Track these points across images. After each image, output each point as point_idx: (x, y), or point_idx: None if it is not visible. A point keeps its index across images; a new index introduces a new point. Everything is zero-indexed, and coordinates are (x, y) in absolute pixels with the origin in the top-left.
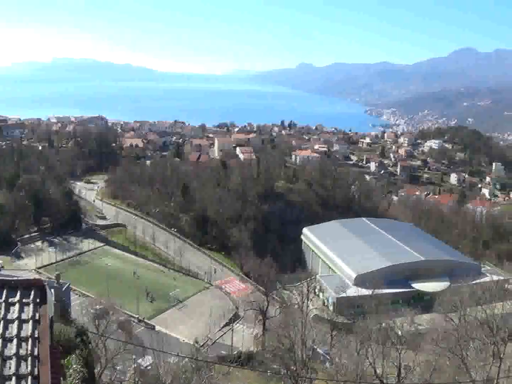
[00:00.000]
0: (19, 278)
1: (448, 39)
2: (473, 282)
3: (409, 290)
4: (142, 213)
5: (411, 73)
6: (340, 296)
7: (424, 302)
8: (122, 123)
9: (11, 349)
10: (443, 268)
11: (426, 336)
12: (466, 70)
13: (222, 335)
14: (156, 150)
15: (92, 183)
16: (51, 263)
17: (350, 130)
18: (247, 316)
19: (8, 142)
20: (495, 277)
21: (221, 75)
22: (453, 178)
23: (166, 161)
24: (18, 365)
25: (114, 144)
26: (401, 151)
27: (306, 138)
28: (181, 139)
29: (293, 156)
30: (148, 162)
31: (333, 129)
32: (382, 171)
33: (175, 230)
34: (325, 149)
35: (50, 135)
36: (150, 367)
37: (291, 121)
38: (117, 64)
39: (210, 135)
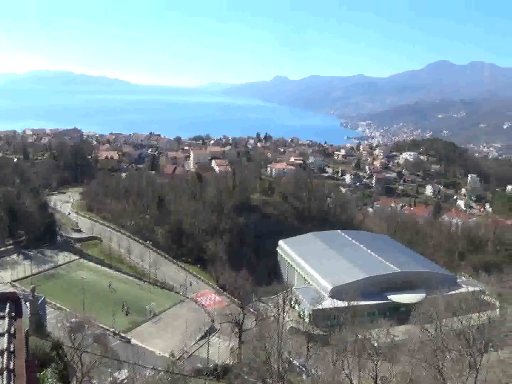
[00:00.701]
0: None
1: (424, 52)
2: (449, 293)
3: (385, 301)
4: (117, 226)
5: (386, 85)
6: (316, 308)
7: (400, 314)
8: (97, 135)
9: None
10: (419, 280)
11: (403, 348)
12: (442, 82)
13: (198, 348)
14: (132, 162)
15: (65, 194)
16: (26, 276)
17: (325, 143)
18: (223, 328)
19: None
20: (471, 288)
21: (197, 87)
22: (429, 190)
23: (142, 173)
24: None
25: (89, 157)
26: (377, 163)
27: (282, 150)
28: (156, 152)
29: (269, 169)
30: (123, 174)
31: (308, 141)
32: (358, 183)
33: (150, 242)
34: (300, 161)
35: (25, 148)
36: (126, 381)
37: (266, 134)
38: (92, 76)
39: (186, 148)
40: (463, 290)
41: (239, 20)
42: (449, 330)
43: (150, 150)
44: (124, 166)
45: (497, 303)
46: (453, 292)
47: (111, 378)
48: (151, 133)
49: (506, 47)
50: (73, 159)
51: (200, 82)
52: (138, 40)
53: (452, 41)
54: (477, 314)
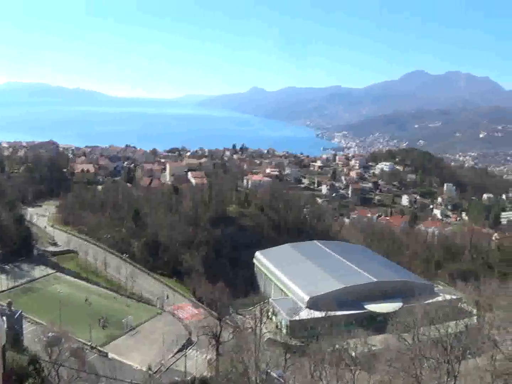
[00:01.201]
0: None
1: (400, 63)
2: (426, 302)
3: (362, 311)
4: (94, 239)
5: (362, 96)
6: (293, 319)
7: (377, 323)
8: (73, 148)
9: None
10: (395, 289)
11: (380, 357)
12: (418, 92)
13: (175, 361)
14: (108, 175)
15: (42, 207)
16: (3, 291)
17: (301, 154)
18: (200, 341)
19: None
20: (447, 297)
21: (173, 99)
22: (405, 200)
23: (118, 186)
24: None
25: (65, 170)
26: (353, 174)
27: (258, 162)
28: (132, 164)
29: (245, 180)
30: (99, 187)
31: (284, 152)
32: (334, 194)
33: (126, 255)
34: (276, 172)
35: (1, 160)
36: None
37: (242, 145)
38: (68, 88)
39: (162, 160)
40: (440, 298)
41: (214, 31)
42: (427, 338)
43: (126, 162)
44: (100, 179)
45: (474, 311)
46: (430, 300)
47: None
48: (127, 146)
49: (481, 57)
50: (49, 172)
51: (177, 94)
52: (113, 52)
53: (428, 51)
54: (455, 322)
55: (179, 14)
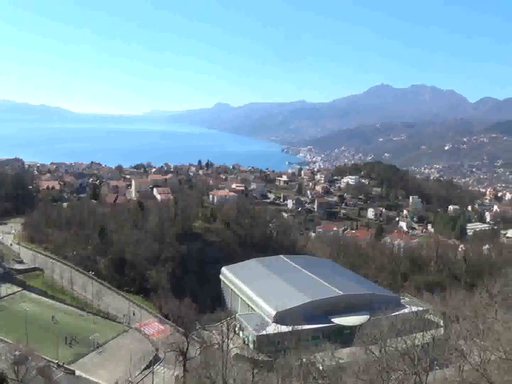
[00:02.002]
0: None
1: (364, 77)
2: (392, 314)
3: (329, 325)
4: (60, 257)
5: (328, 110)
6: (260, 334)
7: (344, 336)
8: (38, 165)
9: None
10: (362, 302)
11: (348, 370)
12: (383, 106)
13: (142, 378)
14: (73, 192)
15: (7, 225)
16: None
17: (267, 169)
18: (168, 357)
19: None
20: (414, 308)
21: (139, 115)
22: (370, 213)
23: (83, 203)
24: None
25: (30, 187)
26: (318, 188)
27: (224, 177)
28: (98, 181)
29: (211, 196)
30: (65, 204)
31: (250, 168)
32: (300, 208)
33: (92, 273)
34: (242, 188)
35: None
36: None
37: (208, 161)
38: (34, 105)
39: (127, 176)
40: (406, 310)
41: (178, 47)
42: (394, 350)
43: (91, 179)
44: (66, 196)
45: (441, 322)
46: (396, 312)
47: None
48: (92, 162)
49: (446, 70)
50: (14, 190)
51: (143, 110)
52: (80, 69)
53: (392, 65)
54: (421, 333)
55: (142, 30)
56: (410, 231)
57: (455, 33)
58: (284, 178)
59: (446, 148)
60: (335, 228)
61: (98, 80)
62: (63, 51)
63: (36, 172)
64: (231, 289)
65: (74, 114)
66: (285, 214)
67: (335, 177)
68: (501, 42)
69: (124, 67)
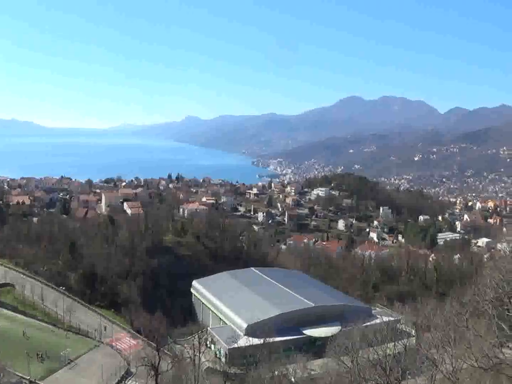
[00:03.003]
0: None
1: (334, 89)
2: (364, 324)
3: (300, 336)
4: (30, 272)
5: (298, 123)
6: (232, 347)
7: (316, 348)
8: (8, 180)
9: None
10: (333, 313)
11: (320, 381)
12: (353, 118)
13: None
14: (43, 206)
15: None
16: None
17: (237, 182)
18: (139, 372)
19: None
20: (385, 319)
21: (109, 129)
22: (341, 224)
23: (53, 218)
24: None
25: (0, 202)
26: (288, 200)
27: (194, 191)
28: (68, 195)
29: (181, 209)
30: (35, 219)
31: (220, 181)
32: (270, 221)
33: (63, 288)
34: (212, 201)
35: None
36: None
37: (178, 175)
38: (3, 119)
39: (97, 191)
40: (378, 320)
41: (148, 62)
42: (366, 360)
43: (61, 194)
44: (36, 211)
45: (413, 331)
46: (368, 323)
47: None
48: (62, 177)
49: (415, 81)
50: None
51: (113, 123)
52: (49, 83)
53: (362, 77)
54: (393, 343)
55: (111, 46)
56: (381, 241)
57: (424, 45)
58: (255, 191)
59: (416, 158)
60: (305, 240)
61: (69, 95)
62: (33, 62)
63: (6, 187)
64: (202, 303)
65: (45, 129)
66: (255, 227)
67: (306, 189)
68: (469, 54)
69: (92, 81)
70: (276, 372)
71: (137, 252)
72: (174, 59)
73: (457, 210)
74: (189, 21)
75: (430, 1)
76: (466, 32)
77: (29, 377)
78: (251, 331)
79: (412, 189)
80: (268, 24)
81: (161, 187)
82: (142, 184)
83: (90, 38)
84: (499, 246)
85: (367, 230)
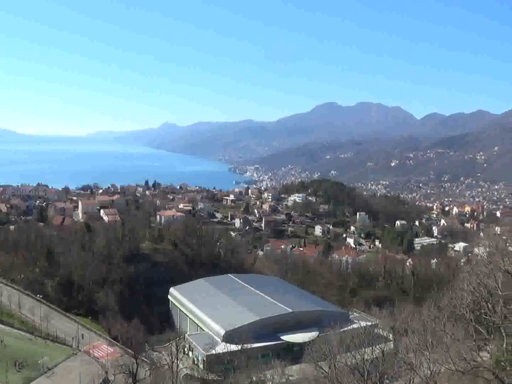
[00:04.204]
0: None
1: (311, 95)
2: (341, 329)
3: (278, 342)
4: (7, 280)
5: (275, 129)
6: (210, 353)
7: (294, 353)
8: None
9: None
10: (311, 319)
11: None
12: (330, 124)
13: None
14: (20, 214)
15: None
16: None
17: (214, 188)
18: (117, 380)
19: None
20: (363, 323)
21: (85, 136)
22: (318, 230)
23: (30, 225)
24: None
25: None
26: (265, 206)
27: (171, 197)
28: (44, 203)
29: (158, 216)
30: (11, 227)
31: (197, 187)
32: (247, 227)
33: (40, 296)
34: (189, 207)
35: None
36: None
37: (155, 181)
38: None
39: (74, 198)
40: (355, 325)
41: (126, 66)
42: (343, 365)
43: (38, 201)
44: (13, 219)
45: (390, 336)
46: (345, 328)
47: None
48: (39, 184)
49: (392, 87)
50: None
51: (90, 130)
52: (23, 90)
53: (338, 83)
54: (371, 348)
55: (89, 53)
56: (358, 247)
57: (400, 51)
58: (232, 197)
59: (393, 164)
60: (282, 246)
61: (44, 102)
62: (7, 68)
63: None
64: (180, 309)
65: (19, 136)
66: (232, 233)
67: (282, 195)
68: (446, 60)
69: (69, 88)
70: (254, 378)
71: (114, 259)
72: (151, 66)
73: (434, 215)
74: (165, 30)
75: (406, 7)
76: (442, 38)
77: None
78: (229, 338)
79: (389, 194)
80: (243, 33)
81: (138, 194)
82: (119, 191)
83: (67, 45)
84: (476, 250)
85: (344, 235)
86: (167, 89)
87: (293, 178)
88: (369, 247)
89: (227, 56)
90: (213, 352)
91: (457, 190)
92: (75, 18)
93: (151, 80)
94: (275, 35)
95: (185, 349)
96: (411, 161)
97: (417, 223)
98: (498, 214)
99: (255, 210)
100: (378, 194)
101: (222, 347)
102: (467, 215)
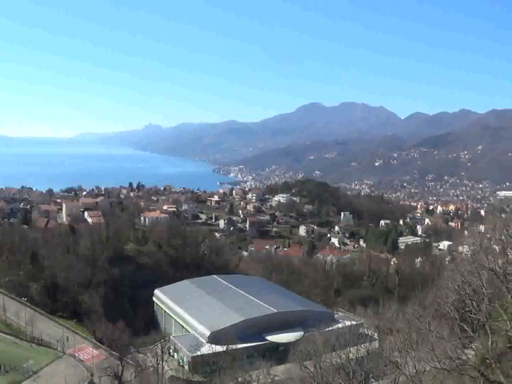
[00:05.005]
0: None
1: (294, 96)
2: (326, 329)
3: (263, 343)
4: None
5: (259, 130)
6: (195, 354)
7: (279, 353)
8: None
9: None
10: (296, 319)
11: None
12: (314, 124)
13: None
14: (4, 217)
15: None
16: None
17: (198, 189)
18: (103, 382)
19: None
20: (348, 323)
21: (69, 138)
22: (302, 230)
23: (14, 228)
24: None
25: None
26: (250, 207)
27: (155, 199)
28: (28, 206)
29: (142, 218)
30: None
31: (181, 189)
32: (232, 228)
33: (25, 299)
34: (174, 209)
35: None
36: None
37: (139, 183)
38: None
39: (58, 200)
40: (340, 325)
41: (110, 69)
42: (329, 365)
43: (22, 204)
44: None
45: (375, 335)
46: (330, 328)
47: None
48: (23, 187)
49: (376, 87)
50: None
51: (73, 132)
52: (4, 89)
53: (322, 83)
54: (356, 347)
55: (68, 53)
56: (342, 246)
57: (384, 50)
58: (216, 198)
59: (377, 164)
60: (267, 247)
61: (25, 103)
62: None
63: None
64: (165, 311)
65: (5, 138)
66: (217, 234)
67: (267, 196)
68: (430, 59)
69: (51, 90)
70: (239, 379)
71: (99, 261)
72: (134, 67)
73: (418, 214)
74: (145, 29)
75: (388, 4)
76: (425, 37)
77: None
78: (214, 339)
79: (373, 194)
80: (227, 31)
81: (122, 196)
82: (103, 193)
83: (48, 46)
84: (460, 249)
85: (328, 235)
86: (150, 90)
87: (277, 179)
88: (354, 247)
89: (212, 56)
90: (198, 353)
91: (441, 189)
92: (54, 17)
93: (135, 81)
94: (261, 35)
95: (170, 351)
96: (395, 161)
97: (401, 222)
98: (482, 212)
99: (240, 211)
100: (362, 194)
101: (207, 348)
102: (451, 214)
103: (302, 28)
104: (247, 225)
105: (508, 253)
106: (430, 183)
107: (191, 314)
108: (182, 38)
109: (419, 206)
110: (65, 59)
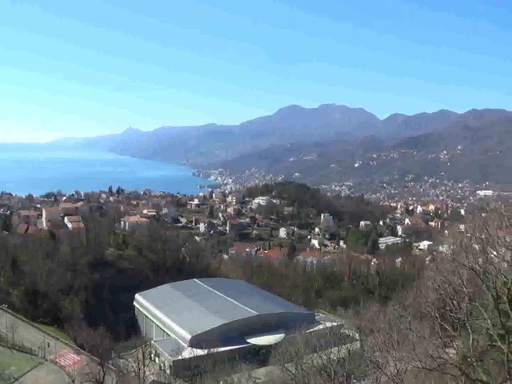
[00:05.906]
0: None
1: (274, 98)
2: (308, 331)
3: (245, 345)
4: None
5: (238, 133)
6: (176, 358)
7: (260, 356)
8: None
9: None
10: (277, 321)
11: None
12: (293, 126)
13: None
14: None
15: None
16: None
17: (178, 193)
18: None
19: None
20: (329, 324)
21: (49, 143)
22: (282, 232)
23: None
24: None
25: None
26: (230, 210)
27: (135, 203)
28: (8, 211)
29: (122, 222)
30: None
31: (161, 193)
32: (212, 231)
33: (6, 305)
34: (153, 213)
35: None
36: None
37: (119, 187)
38: None
39: (38, 206)
40: (321, 326)
41: (85, 65)
42: (310, 366)
43: (2, 209)
44: None
45: (356, 335)
46: (312, 329)
47: None
48: (2, 192)
49: (355, 88)
50: None
51: (52, 137)
52: None
53: (301, 85)
54: (337, 348)
55: (51, 54)
56: (323, 248)
57: (364, 50)
58: (196, 201)
59: (356, 165)
60: (247, 249)
61: (5, 106)
62: None
63: None
64: (146, 316)
65: None
66: (197, 238)
67: (247, 199)
68: (407, 60)
69: (30, 93)
70: (221, 382)
71: (79, 266)
72: (111, 66)
73: (398, 215)
74: (123, 26)
75: (369, 6)
76: (404, 36)
77: None
78: (195, 342)
79: (352, 195)
80: (207, 29)
81: (102, 201)
82: (82, 198)
83: (24, 44)
84: (440, 248)
85: (309, 237)
86: (130, 92)
87: (257, 181)
88: (334, 248)
89: (192, 56)
90: (180, 357)
91: (421, 189)
92: (31, 15)
93: (116, 82)
94: (244, 35)
95: (152, 355)
96: (374, 162)
97: (381, 222)
98: (462, 212)
99: (220, 214)
100: (342, 195)
101: (188, 352)
102: (431, 214)
103: (281, 28)
104: (228, 228)
105: (488, 252)
106: (410, 184)
107: (172, 318)
108: (161, 37)
109: (399, 207)
110: (41, 58)
